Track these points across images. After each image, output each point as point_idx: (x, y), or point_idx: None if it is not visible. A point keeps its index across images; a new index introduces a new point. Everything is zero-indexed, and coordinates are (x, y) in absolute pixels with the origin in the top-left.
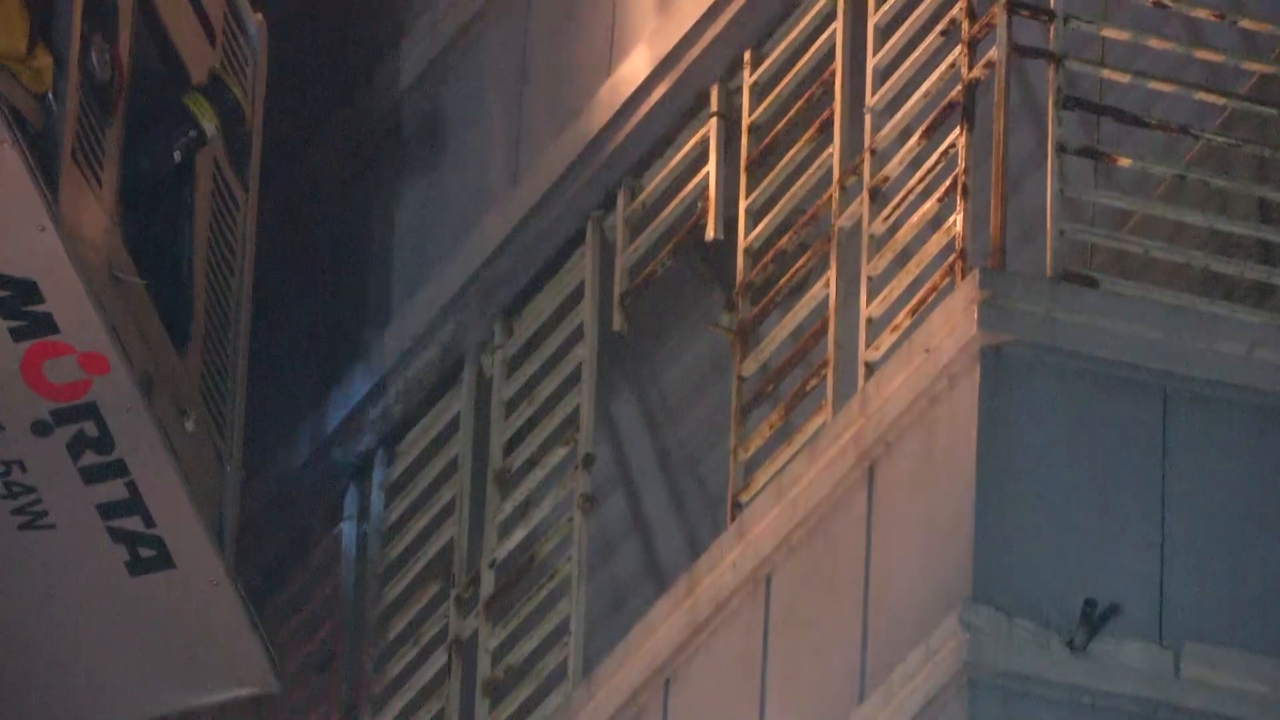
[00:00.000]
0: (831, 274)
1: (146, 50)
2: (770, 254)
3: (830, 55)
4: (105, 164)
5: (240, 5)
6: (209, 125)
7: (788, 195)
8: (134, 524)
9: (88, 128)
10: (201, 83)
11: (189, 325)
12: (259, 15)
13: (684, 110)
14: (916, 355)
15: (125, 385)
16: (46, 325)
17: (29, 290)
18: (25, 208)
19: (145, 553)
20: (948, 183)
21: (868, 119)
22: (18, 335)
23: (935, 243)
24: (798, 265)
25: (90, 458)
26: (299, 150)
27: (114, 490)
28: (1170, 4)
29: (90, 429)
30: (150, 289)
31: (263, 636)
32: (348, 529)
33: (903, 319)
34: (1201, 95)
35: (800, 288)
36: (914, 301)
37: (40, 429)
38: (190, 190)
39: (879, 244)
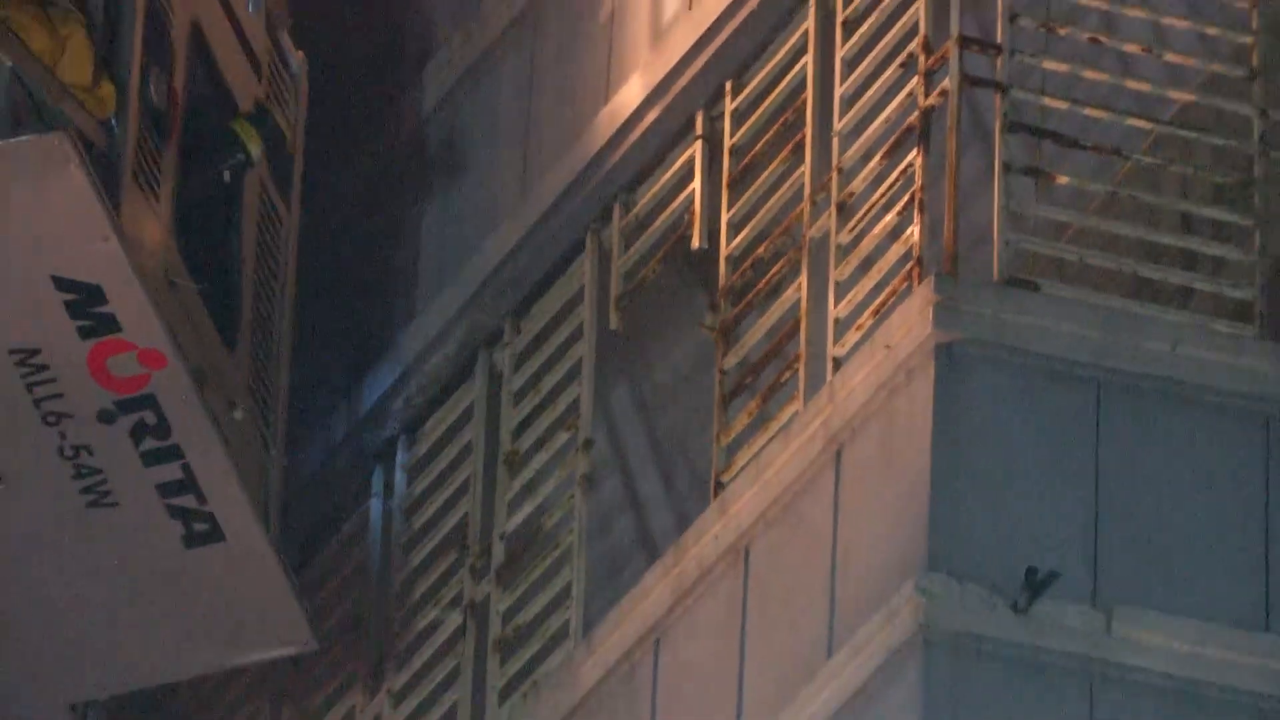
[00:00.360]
0: (803, 279)
1: (199, 81)
2: (749, 261)
3: (802, 85)
4: (162, 182)
5: (283, 42)
6: (255, 149)
7: (764, 209)
8: (189, 502)
9: (146, 150)
10: (248, 111)
11: (237, 326)
12: (300, 52)
13: (672, 134)
14: (878, 352)
15: (181, 378)
16: (110, 325)
17: (95, 294)
18: (91, 221)
19: (199, 527)
20: (906, 198)
21: (835, 141)
22: (84, 334)
23: (895, 251)
24: (773, 271)
25: (150, 443)
26: (335, 168)
27: (171, 472)
28: (1104, 40)
29: (149, 417)
30: (203, 293)
31: (302, 601)
32: (375, 505)
33: (866, 319)
34: (1131, 121)
35: (775, 291)
36: (876, 304)
37: (105, 417)
38: (238, 206)
39: (845, 252)
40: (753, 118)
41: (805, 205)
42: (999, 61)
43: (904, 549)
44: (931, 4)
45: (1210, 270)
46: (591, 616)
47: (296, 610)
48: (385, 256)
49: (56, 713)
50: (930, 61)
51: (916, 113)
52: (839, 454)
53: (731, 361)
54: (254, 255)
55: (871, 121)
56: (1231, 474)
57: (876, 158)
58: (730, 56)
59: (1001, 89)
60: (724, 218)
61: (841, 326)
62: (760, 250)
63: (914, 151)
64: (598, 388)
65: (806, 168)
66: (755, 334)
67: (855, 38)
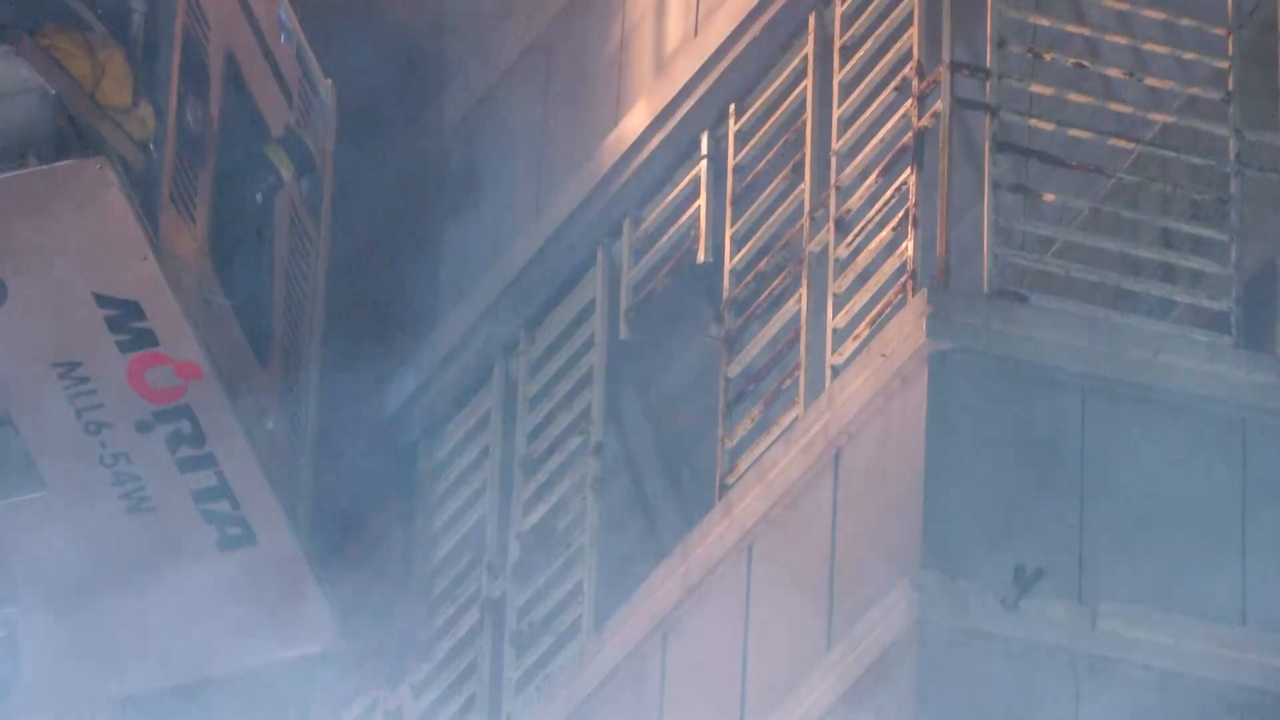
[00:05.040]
0: (803, 291)
1: (233, 107)
2: (751, 274)
3: (802, 107)
4: (198, 203)
5: (312, 71)
6: (286, 173)
7: (766, 225)
8: (223, 507)
9: (183, 173)
10: (280, 136)
11: (269, 340)
12: (328, 80)
13: (679, 154)
14: (874, 359)
15: (215, 390)
16: (148, 339)
17: (133, 310)
18: (130, 241)
19: (232, 531)
20: (901, 214)
21: (833, 160)
22: (124, 348)
23: (890, 265)
24: (774, 284)
25: (185, 451)
26: (360, 187)
27: (206, 479)
28: (1088, 64)
29: (185, 427)
30: (236, 309)
31: (331, 601)
32: (397, 506)
33: (863, 329)
34: (1114, 141)
35: (776, 303)
36: (872, 314)
37: (143, 427)
38: (270, 226)
39: (842, 266)
40: (755, 138)
41: (805, 221)
42: (988, 85)
43: (899, 547)
44: (924, 30)
45: (1189, 283)
46: (603, 612)
47: (325, 610)
48: (408, 269)
49: (98, 707)
50: (923, 85)
51: (910, 133)
52: (837, 457)
53: (735, 369)
54: (285, 272)
55: (867, 142)
56: (1210, 475)
57: (872, 176)
58: (733, 81)
59: (991, 111)
60: (728, 233)
61: (840, 336)
62: (762, 264)
63: (908, 170)
64: (608, 394)
65: (806, 186)
66: (758, 343)
67: (852, 63)
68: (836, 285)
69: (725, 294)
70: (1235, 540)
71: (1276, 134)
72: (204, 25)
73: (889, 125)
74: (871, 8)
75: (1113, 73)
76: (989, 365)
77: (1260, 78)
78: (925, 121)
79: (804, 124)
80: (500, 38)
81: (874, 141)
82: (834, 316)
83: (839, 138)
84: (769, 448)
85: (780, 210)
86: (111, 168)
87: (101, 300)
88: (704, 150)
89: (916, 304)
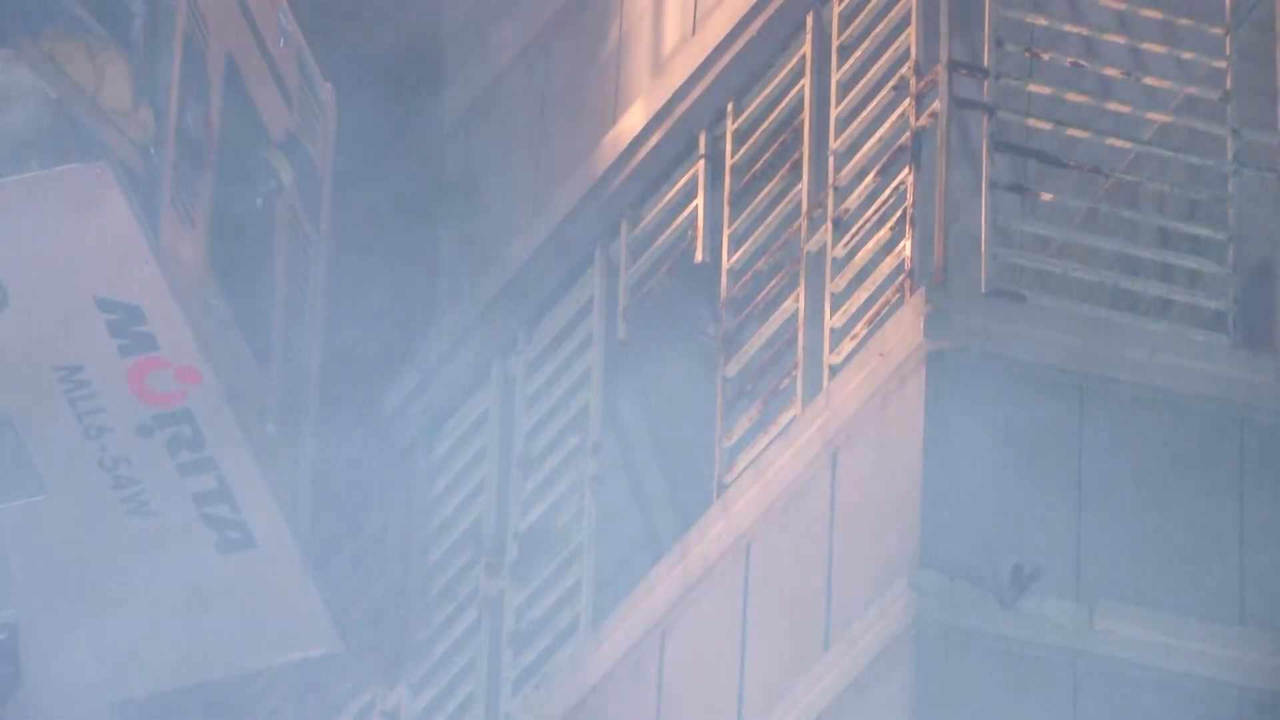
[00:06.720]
0: (800, 290)
1: (233, 111)
2: (749, 274)
3: (799, 106)
4: (198, 207)
5: (312, 75)
6: (286, 176)
7: (764, 224)
8: (223, 511)
9: (184, 176)
10: (280, 139)
11: (269, 343)
12: (328, 83)
13: (676, 153)
14: (872, 359)
15: (215, 394)
16: (149, 343)
17: (135, 314)
18: (131, 245)
19: (231, 535)
20: (898, 214)
21: (831, 160)
22: (125, 352)
23: (888, 264)
24: (772, 283)
25: (186, 455)
26: (359, 188)
27: (206, 482)
28: (1085, 64)
29: (185, 431)
30: (236, 312)
31: (329, 604)
32: (395, 505)
33: (861, 328)
34: (1111, 140)
35: (774, 302)
36: (870, 314)
37: (144, 431)
38: (270, 230)
39: (840, 265)
40: (753, 138)
41: (802, 220)
42: (986, 85)
43: (897, 547)
44: (922, 30)
45: (1187, 282)
46: (601, 611)
47: (324, 614)
48: (407, 269)
49: (97, 711)
50: (921, 85)
51: (908, 133)
52: (835, 456)
53: (733, 369)
54: (285, 276)
55: (865, 141)
56: (1207, 475)
57: (870, 175)
58: (731, 80)
59: (988, 110)
60: (725, 233)
61: (837, 335)
62: (760, 263)
63: (905, 170)
64: (606, 394)
65: (804, 185)
66: (755, 343)
67: (850, 62)
68: (834, 284)
69: (723, 293)
70: (1234, 538)
71: (1274, 133)
72: (204, 29)
73: (887, 125)
74: (869, 7)
75: (1110, 72)
76: (987, 364)
77: (1258, 77)
78: (923, 121)
79: (802, 123)
80: (500, 37)
81: (872, 141)
82: (832, 316)
83: (837, 137)
84: (767, 447)
85: (778, 210)
86: (112, 171)
87: (102, 304)
88: (702, 149)
89: (914, 303)
